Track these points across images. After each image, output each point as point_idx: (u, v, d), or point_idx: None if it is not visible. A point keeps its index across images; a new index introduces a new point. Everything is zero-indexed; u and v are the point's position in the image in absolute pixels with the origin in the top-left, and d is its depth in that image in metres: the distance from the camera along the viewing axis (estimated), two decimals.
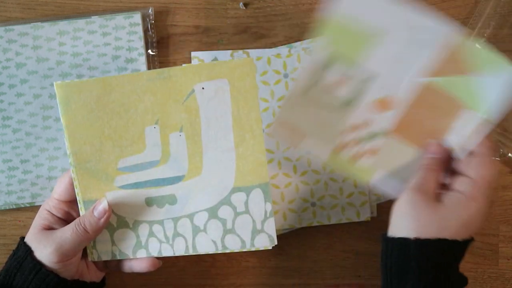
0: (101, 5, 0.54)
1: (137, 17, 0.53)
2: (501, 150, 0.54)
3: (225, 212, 0.45)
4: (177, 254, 0.46)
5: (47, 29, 0.53)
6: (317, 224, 0.53)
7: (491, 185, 0.42)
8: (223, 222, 0.45)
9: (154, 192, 0.46)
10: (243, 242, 0.45)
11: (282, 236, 0.54)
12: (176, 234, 0.46)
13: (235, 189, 0.45)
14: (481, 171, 0.42)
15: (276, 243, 0.46)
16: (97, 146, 0.45)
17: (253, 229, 0.45)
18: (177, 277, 0.55)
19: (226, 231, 0.46)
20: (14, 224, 0.54)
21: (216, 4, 0.55)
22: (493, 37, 0.54)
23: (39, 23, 0.53)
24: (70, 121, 0.44)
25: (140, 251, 0.46)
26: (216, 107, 0.44)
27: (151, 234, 0.46)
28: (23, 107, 0.53)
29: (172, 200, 0.46)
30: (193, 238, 0.46)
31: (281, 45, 0.55)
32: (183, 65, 0.53)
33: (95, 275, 0.47)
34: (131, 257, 0.46)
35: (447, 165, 0.44)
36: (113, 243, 0.46)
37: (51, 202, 0.46)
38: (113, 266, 0.48)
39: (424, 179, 0.43)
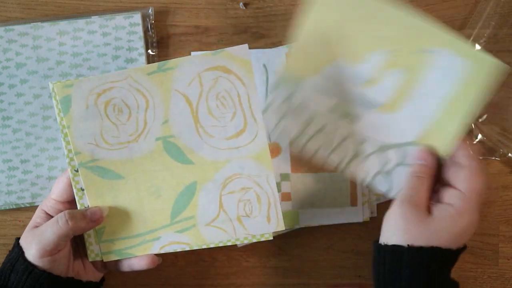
0: (101, 5, 0.54)
1: (137, 17, 0.53)
2: (501, 150, 0.54)
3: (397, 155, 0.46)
4: None
5: (47, 29, 0.53)
6: (317, 224, 0.53)
7: (481, 196, 0.42)
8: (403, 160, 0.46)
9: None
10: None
11: (282, 236, 0.54)
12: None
13: (413, 143, 0.45)
14: (470, 184, 0.42)
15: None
16: None
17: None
18: (177, 277, 0.55)
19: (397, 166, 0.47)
20: (14, 224, 0.54)
21: (216, 4, 0.55)
22: (493, 37, 0.54)
23: (39, 23, 0.53)
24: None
25: None
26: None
27: None
28: (23, 107, 0.53)
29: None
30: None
31: (281, 45, 0.55)
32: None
33: (92, 276, 0.47)
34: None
35: (436, 173, 0.45)
36: None
37: (48, 202, 0.46)
38: (112, 266, 0.48)
39: (414, 189, 0.44)
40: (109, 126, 0.45)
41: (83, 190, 0.45)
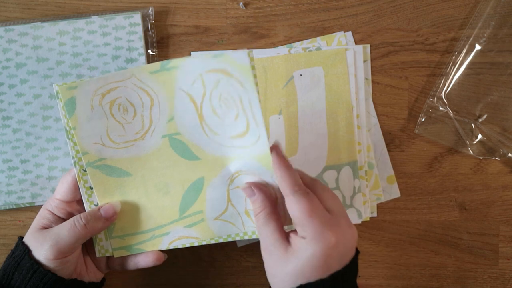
0: (101, 5, 0.54)
1: (137, 17, 0.53)
2: (501, 150, 0.54)
3: None
4: None
5: (47, 29, 0.53)
6: None
7: (311, 215, 0.38)
8: None
9: None
10: None
11: None
12: None
13: (327, 167, 0.49)
14: (292, 212, 0.39)
15: (363, 218, 0.50)
16: None
17: (343, 204, 0.47)
18: (177, 277, 0.55)
19: None
20: (14, 224, 0.54)
21: (216, 4, 0.55)
22: (493, 37, 0.54)
23: (39, 23, 0.53)
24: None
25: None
26: (312, 92, 0.49)
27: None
28: (23, 107, 0.53)
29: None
30: None
31: (281, 45, 0.55)
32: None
33: (94, 276, 0.47)
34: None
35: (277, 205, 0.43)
36: None
37: (52, 202, 0.46)
38: (117, 265, 0.48)
39: (265, 235, 0.41)
40: (115, 125, 0.45)
41: (92, 188, 0.46)
